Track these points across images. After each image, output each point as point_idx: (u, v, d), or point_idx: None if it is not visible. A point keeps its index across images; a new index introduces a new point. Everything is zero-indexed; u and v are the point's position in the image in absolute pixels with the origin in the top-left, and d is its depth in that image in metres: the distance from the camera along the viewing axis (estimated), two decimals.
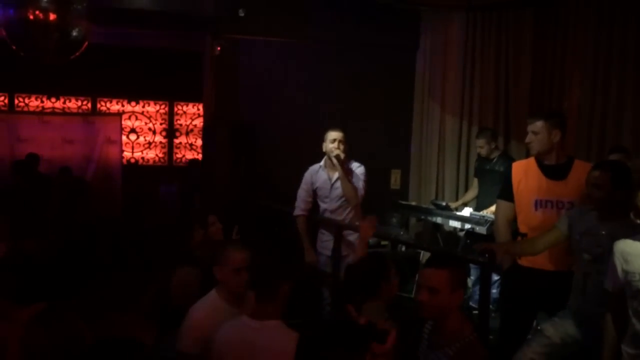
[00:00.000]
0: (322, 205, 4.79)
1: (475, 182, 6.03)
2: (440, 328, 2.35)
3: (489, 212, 5.32)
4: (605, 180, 3.03)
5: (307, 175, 4.82)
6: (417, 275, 4.50)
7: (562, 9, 6.08)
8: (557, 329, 3.17)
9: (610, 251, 2.76)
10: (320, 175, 4.76)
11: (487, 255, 3.30)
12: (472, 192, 6.09)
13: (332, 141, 4.60)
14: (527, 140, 3.63)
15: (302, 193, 4.82)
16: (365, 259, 3.10)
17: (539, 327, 3.32)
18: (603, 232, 3.04)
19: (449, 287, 2.26)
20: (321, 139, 4.71)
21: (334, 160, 4.55)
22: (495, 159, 5.66)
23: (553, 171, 3.60)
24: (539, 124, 3.56)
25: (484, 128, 6.11)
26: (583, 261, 3.14)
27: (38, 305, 2.70)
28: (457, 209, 5.95)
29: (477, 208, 5.69)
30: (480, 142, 5.72)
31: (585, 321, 3.10)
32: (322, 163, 4.77)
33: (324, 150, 4.69)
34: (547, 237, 3.31)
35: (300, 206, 4.80)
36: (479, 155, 5.88)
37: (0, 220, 4.54)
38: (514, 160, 5.71)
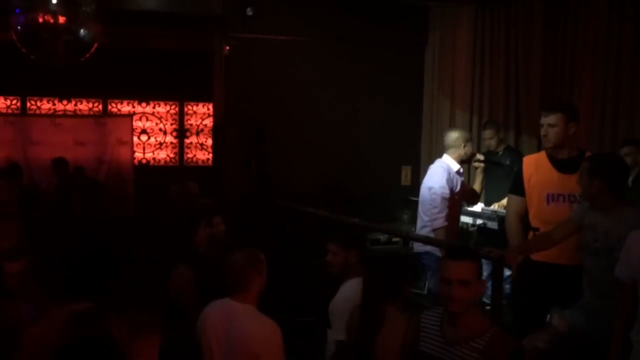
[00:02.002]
0: (450, 212, 4.59)
1: (480, 177, 6.01)
2: (457, 322, 2.30)
3: (500, 206, 5.29)
4: (583, 170, 3.04)
5: (447, 180, 4.55)
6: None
7: (572, 1, 6.02)
8: (565, 319, 3.15)
9: (619, 240, 2.76)
10: (459, 180, 4.69)
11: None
12: (477, 187, 6.07)
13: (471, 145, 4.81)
14: (543, 132, 3.57)
15: (446, 202, 4.52)
16: (385, 260, 3.04)
17: (548, 318, 3.31)
18: (600, 227, 3.02)
19: (476, 278, 2.29)
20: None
21: (479, 164, 4.99)
22: (500, 152, 5.63)
23: (564, 165, 3.57)
24: (556, 116, 3.53)
25: (489, 120, 6.10)
26: (585, 255, 3.13)
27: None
28: (468, 206, 5.93)
29: (486, 203, 5.67)
30: (489, 132, 5.67)
31: (590, 314, 3.08)
32: (459, 167, 4.68)
33: (464, 153, 4.69)
34: (562, 228, 3.28)
35: (444, 215, 4.50)
36: (482, 150, 5.84)
37: (16, 224, 4.58)
38: (519, 153, 5.70)
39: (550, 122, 3.54)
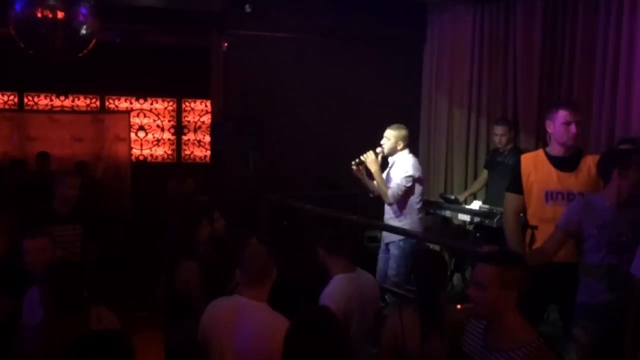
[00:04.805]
0: None
1: (484, 174, 6.00)
2: (496, 329, 2.28)
3: None
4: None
5: None
6: None
7: None
8: (590, 334, 3.13)
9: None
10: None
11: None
12: (480, 183, 6.07)
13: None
14: (574, 130, 3.51)
15: None
16: (434, 256, 3.17)
17: (574, 335, 3.24)
18: (623, 221, 3.02)
19: (496, 285, 2.21)
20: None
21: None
22: (507, 152, 5.62)
23: (562, 163, 3.58)
24: (582, 114, 3.54)
25: (503, 117, 6.04)
26: (606, 254, 3.11)
27: None
28: (466, 201, 5.93)
29: (487, 200, 5.67)
30: (502, 129, 5.60)
31: (617, 314, 3.04)
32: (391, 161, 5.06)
33: None
34: (552, 241, 3.27)
35: None
36: (491, 147, 5.81)
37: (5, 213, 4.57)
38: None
39: (579, 120, 3.54)
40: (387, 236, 4.91)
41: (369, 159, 4.82)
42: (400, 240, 4.81)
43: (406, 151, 4.96)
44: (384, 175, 4.95)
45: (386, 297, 4.86)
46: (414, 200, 4.92)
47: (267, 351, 2.53)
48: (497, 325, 2.26)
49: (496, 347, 2.24)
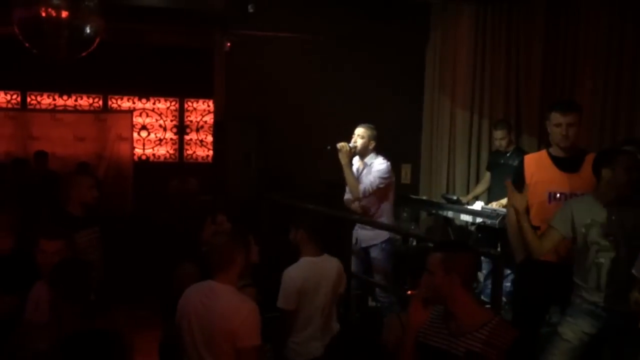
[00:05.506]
0: None
1: (487, 176, 6.00)
2: (453, 314, 2.37)
3: (499, 204, 5.29)
4: (623, 163, 3.07)
5: None
6: None
7: (574, 0, 6.03)
8: (574, 330, 3.15)
9: (635, 228, 2.81)
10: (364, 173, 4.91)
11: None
12: (483, 185, 6.06)
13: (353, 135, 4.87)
14: (563, 132, 3.48)
15: None
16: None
17: (558, 331, 3.27)
18: (612, 221, 3.03)
19: (441, 269, 2.35)
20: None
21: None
22: (509, 153, 5.60)
23: (565, 163, 3.57)
24: (574, 115, 3.51)
25: (500, 120, 6.02)
26: (593, 253, 3.12)
27: None
28: (468, 203, 5.93)
29: (489, 202, 5.67)
30: (501, 133, 5.60)
31: (604, 313, 3.07)
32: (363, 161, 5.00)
33: None
34: (548, 239, 3.29)
35: None
36: (492, 149, 5.79)
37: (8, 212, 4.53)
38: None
39: (570, 122, 3.50)
40: (365, 240, 4.88)
41: (344, 149, 4.77)
42: (382, 243, 4.81)
43: (375, 153, 4.91)
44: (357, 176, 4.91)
45: (379, 297, 4.90)
46: (388, 204, 4.93)
47: (230, 330, 2.70)
48: (453, 310, 2.37)
49: (459, 331, 2.34)
